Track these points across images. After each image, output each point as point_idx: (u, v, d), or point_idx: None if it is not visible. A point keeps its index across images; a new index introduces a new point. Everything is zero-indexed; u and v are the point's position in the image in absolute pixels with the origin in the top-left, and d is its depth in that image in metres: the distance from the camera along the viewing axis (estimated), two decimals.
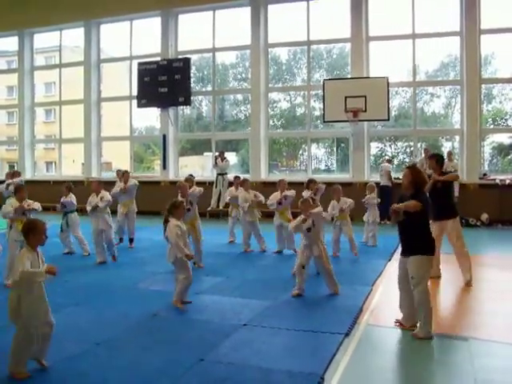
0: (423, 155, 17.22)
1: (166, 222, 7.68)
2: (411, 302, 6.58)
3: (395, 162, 19.59)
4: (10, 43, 24.58)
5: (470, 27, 17.17)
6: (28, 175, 23.18)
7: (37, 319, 5.26)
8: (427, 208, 6.55)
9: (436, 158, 9.36)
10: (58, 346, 5.83)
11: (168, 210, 7.69)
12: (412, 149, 19.06)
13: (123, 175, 13.39)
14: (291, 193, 11.73)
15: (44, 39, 24.27)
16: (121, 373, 5.33)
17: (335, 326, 6.63)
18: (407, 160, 19.69)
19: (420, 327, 6.38)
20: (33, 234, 5.32)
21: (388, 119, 17.83)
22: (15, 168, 23.80)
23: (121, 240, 13.25)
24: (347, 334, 6.38)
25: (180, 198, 9.67)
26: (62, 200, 11.85)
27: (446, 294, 8.74)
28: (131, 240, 13.22)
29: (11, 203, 9.35)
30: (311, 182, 11.73)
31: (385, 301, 8.11)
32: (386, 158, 18.94)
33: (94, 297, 8.32)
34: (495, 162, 19.44)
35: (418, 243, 6.47)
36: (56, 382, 5.11)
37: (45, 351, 5.43)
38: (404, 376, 5.41)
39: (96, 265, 10.88)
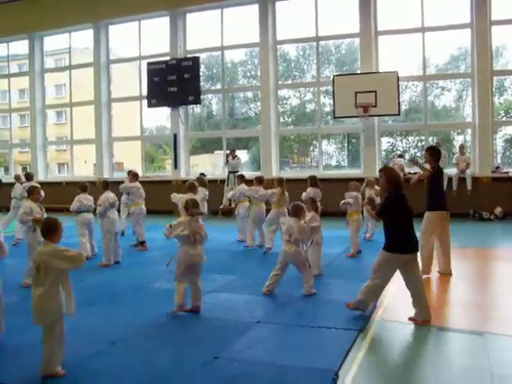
0: None
1: None
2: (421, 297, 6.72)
3: (406, 156, 19.53)
4: (21, 47, 24.70)
5: (481, 19, 17.04)
6: (41, 177, 23.30)
7: (62, 316, 5.34)
8: (395, 206, 6.73)
9: (430, 151, 9.33)
10: (73, 346, 5.86)
11: (185, 207, 7.68)
12: (423, 143, 18.95)
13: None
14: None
15: (53, 42, 24.40)
16: (135, 371, 5.37)
17: (349, 322, 6.62)
18: (419, 154, 19.60)
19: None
20: (53, 233, 5.42)
21: (399, 114, 17.74)
22: (28, 170, 24.00)
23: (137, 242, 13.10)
24: (361, 330, 6.36)
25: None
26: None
27: (458, 288, 8.69)
28: (140, 243, 12.87)
29: (30, 206, 9.19)
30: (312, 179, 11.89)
31: (399, 296, 8.05)
32: (398, 153, 18.88)
33: (107, 296, 8.37)
34: (508, 155, 19.31)
35: (387, 240, 6.75)
36: (72, 381, 5.15)
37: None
38: (419, 371, 5.37)
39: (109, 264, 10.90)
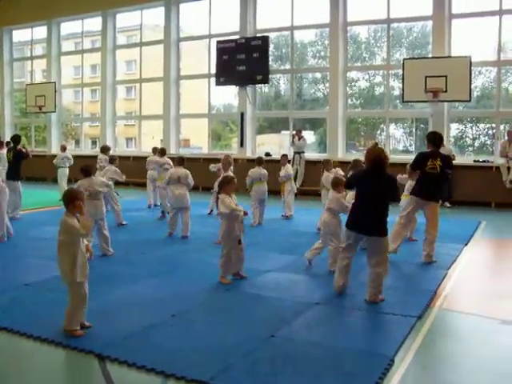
0: (506, 138, 16.67)
1: (217, 199, 7.93)
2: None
3: (476, 144, 19.04)
4: (94, 23, 25.26)
5: None
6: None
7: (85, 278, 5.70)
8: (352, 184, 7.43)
9: (427, 137, 9.44)
10: (135, 316, 6.09)
11: (219, 185, 7.91)
12: (494, 131, 18.42)
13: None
14: None
15: (126, 19, 24.79)
16: (194, 344, 5.47)
17: (408, 309, 6.56)
18: (489, 143, 19.07)
19: None
20: (73, 202, 5.68)
21: (469, 100, 17.24)
22: (97, 144, 24.68)
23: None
24: (419, 318, 6.29)
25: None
26: None
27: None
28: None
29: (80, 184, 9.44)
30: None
31: (460, 286, 7.96)
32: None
33: (170, 270, 8.55)
34: None
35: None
36: (132, 350, 5.28)
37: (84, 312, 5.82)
38: (478, 363, 5.28)
39: (172, 238, 11.17)
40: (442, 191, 9.63)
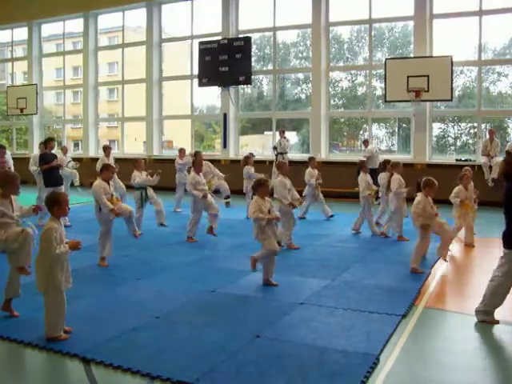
0: (488, 137, 16.80)
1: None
2: None
3: (458, 143, 19.16)
4: (76, 25, 25.11)
5: None
6: (91, 153, 23.77)
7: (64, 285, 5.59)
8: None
9: None
10: (119, 319, 6.05)
11: (253, 187, 7.84)
12: (476, 130, 18.54)
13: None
14: None
15: (107, 20, 24.73)
16: (179, 345, 5.46)
17: (392, 308, 6.59)
18: (470, 142, 19.20)
19: None
20: (57, 206, 5.60)
21: (451, 99, 17.37)
22: (79, 146, 24.51)
23: None
24: (404, 316, 6.32)
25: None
26: None
27: None
28: None
29: (101, 186, 8.79)
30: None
31: (443, 284, 8.00)
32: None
33: (154, 272, 8.50)
34: None
35: None
36: (117, 353, 5.25)
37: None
38: (461, 360, 5.30)
39: (156, 241, 11.08)
40: None
